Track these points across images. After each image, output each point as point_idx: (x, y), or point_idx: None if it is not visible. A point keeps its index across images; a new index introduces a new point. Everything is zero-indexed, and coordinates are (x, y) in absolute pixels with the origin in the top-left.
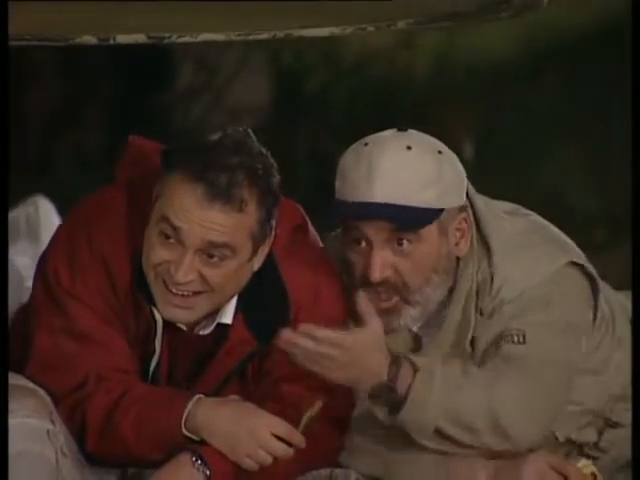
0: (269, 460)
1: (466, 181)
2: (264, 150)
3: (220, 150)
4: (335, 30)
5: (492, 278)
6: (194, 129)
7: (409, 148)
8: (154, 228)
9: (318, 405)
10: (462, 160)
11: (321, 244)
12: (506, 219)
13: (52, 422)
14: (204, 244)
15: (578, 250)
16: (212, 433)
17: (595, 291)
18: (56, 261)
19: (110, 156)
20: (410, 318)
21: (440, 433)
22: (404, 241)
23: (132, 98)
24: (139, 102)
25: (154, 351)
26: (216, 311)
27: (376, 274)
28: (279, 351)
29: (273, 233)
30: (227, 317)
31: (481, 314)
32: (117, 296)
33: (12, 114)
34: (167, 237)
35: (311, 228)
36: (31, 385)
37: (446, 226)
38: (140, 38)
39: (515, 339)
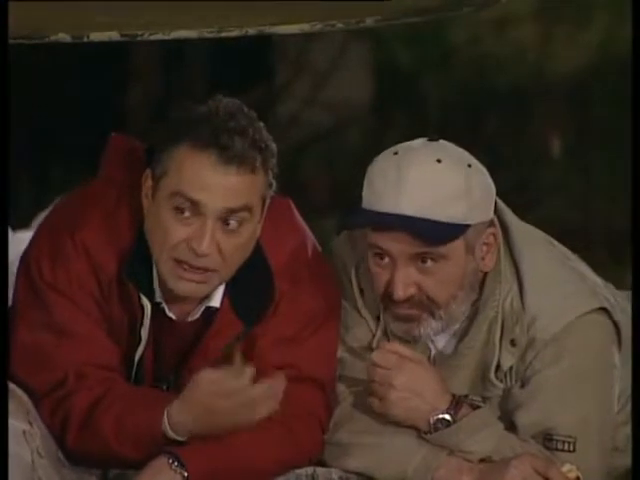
0: (242, 399)
1: (494, 195)
2: (254, 115)
3: (222, 116)
4: (305, 27)
5: (522, 309)
6: (291, 123)
7: (439, 161)
8: (164, 206)
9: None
10: (552, 156)
11: (311, 236)
12: (540, 248)
13: (29, 423)
14: (224, 211)
15: (605, 292)
16: (194, 426)
17: (619, 339)
18: (38, 254)
19: None
20: (431, 329)
21: None
22: (428, 259)
23: (225, 94)
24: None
25: (140, 341)
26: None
27: (400, 293)
28: (264, 340)
29: (269, 201)
30: (215, 300)
31: (513, 345)
32: (101, 287)
33: (109, 111)
34: (182, 211)
35: (298, 218)
36: (9, 385)
37: (473, 242)
38: (113, 35)
39: (566, 447)
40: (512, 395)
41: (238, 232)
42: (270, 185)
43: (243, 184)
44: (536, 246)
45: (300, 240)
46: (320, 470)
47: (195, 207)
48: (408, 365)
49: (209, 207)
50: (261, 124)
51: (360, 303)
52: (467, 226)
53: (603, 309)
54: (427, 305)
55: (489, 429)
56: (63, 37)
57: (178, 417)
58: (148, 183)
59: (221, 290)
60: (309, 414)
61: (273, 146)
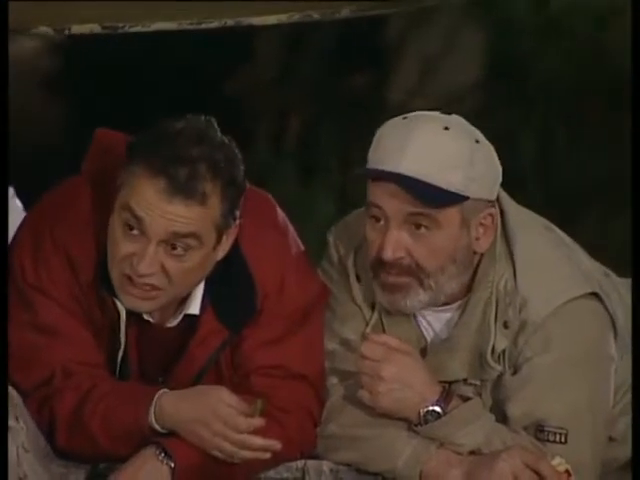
0: (236, 437)
1: (499, 179)
2: (227, 140)
3: (181, 141)
4: (282, 17)
5: (515, 291)
6: (398, 109)
7: (446, 129)
8: (117, 218)
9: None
10: None
11: (293, 233)
12: (535, 232)
13: (15, 418)
14: (168, 235)
15: (604, 281)
16: (179, 424)
17: (615, 328)
18: (21, 254)
19: (305, 141)
20: (418, 301)
21: None
22: (422, 226)
23: (329, 80)
24: (336, 84)
25: (120, 345)
26: (183, 302)
27: (389, 253)
28: (249, 343)
29: (237, 222)
30: (194, 308)
31: (505, 327)
32: (81, 288)
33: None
34: (130, 228)
35: (281, 216)
36: None
37: (469, 217)
38: (95, 28)
39: (557, 438)
40: (504, 382)
41: (185, 257)
42: (230, 214)
43: (190, 213)
44: (531, 230)
45: (281, 238)
46: (311, 463)
47: (141, 226)
48: (396, 356)
49: (152, 229)
50: (234, 152)
51: (356, 291)
52: (465, 198)
53: (597, 297)
54: (416, 272)
55: (479, 421)
56: (45, 30)
57: (169, 409)
58: (117, 192)
59: (199, 296)
60: (300, 409)
61: (239, 178)
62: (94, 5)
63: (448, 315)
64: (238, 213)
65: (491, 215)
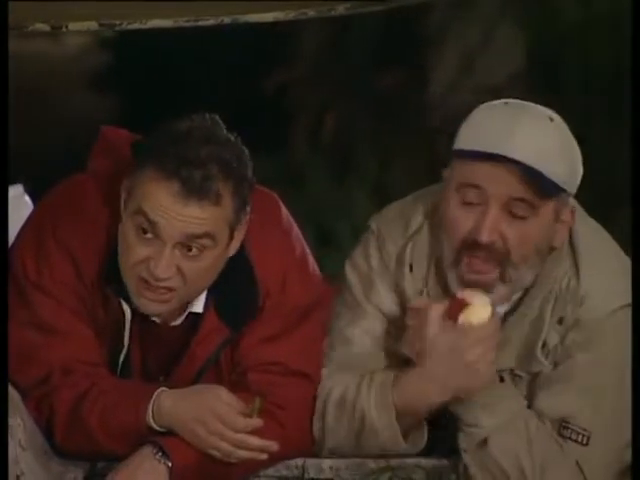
0: (233, 436)
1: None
2: (232, 137)
3: (190, 142)
4: (279, 15)
5: (577, 289)
6: (436, 105)
7: (551, 119)
8: (129, 222)
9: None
10: None
11: (297, 232)
12: (596, 234)
13: (12, 415)
14: (183, 237)
15: None
16: (177, 422)
17: None
18: (23, 252)
19: (341, 138)
20: (499, 297)
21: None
22: (521, 212)
23: (365, 76)
24: (373, 81)
25: (123, 344)
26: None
27: (485, 235)
28: (247, 340)
29: (247, 217)
30: (198, 306)
31: (560, 323)
32: (84, 286)
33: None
34: (144, 232)
35: (285, 216)
36: None
37: (559, 211)
38: (92, 25)
39: (580, 439)
40: (541, 374)
41: (200, 258)
42: (241, 210)
43: (205, 214)
44: (595, 233)
45: (285, 237)
46: (310, 461)
47: (155, 229)
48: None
49: (168, 232)
50: (242, 149)
51: (408, 281)
52: (564, 191)
53: None
54: (502, 259)
55: (506, 402)
56: (42, 27)
57: (167, 407)
58: (124, 195)
59: (203, 295)
60: (299, 407)
61: (249, 174)
62: (94, 5)
63: (509, 301)
64: (248, 208)
65: (572, 212)
